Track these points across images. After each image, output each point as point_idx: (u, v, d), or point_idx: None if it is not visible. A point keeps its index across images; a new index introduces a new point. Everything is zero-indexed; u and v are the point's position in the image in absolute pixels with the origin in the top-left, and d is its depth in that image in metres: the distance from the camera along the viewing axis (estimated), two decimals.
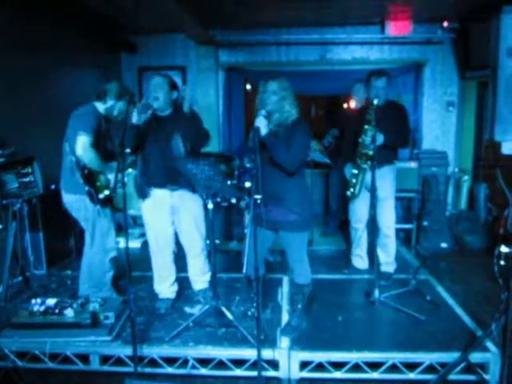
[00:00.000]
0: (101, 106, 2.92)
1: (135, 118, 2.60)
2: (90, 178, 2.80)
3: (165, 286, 3.08)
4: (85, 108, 2.89)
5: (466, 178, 5.27)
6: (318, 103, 8.32)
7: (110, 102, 2.91)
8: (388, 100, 3.41)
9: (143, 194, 2.89)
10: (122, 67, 5.69)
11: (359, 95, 4.40)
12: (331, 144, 4.74)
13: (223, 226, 4.53)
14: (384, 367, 2.42)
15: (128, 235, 2.29)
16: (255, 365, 2.33)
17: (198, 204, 2.96)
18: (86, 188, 2.76)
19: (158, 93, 2.72)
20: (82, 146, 2.68)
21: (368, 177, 3.18)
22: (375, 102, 3.11)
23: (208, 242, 3.08)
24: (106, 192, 2.87)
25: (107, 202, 2.91)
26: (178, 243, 3.14)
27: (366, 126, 3.15)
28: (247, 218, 4.07)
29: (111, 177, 2.90)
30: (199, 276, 3.16)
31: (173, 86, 2.82)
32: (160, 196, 2.88)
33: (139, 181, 2.89)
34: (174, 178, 2.77)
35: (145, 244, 4.70)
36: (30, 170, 3.46)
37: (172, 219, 2.97)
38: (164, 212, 2.91)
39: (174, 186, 2.84)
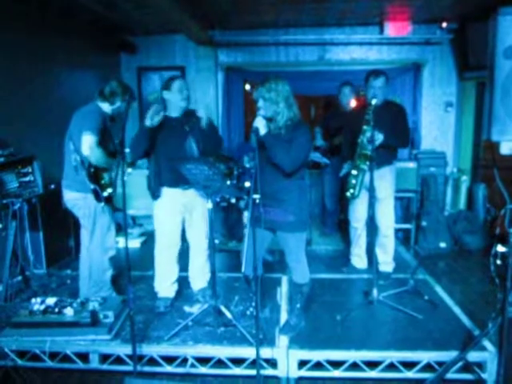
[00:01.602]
0: (106, 107, 2.94)
1: (148, 122, 2.68)
2: (96, 176, 2.82)
3: (166, 284, 3.09)
4: (89, 107, 2.91)
5: (464, 178, 5.29)
6: (318, 104, 8.32)
7: (117, 104, 2.95)
8: (387, 100, 3.41)
9: (156, 195, 2.93)
10: (122, 67, 5.71)
11: (345, 98, 4.41)
12: (323, 144, 4.75)
13: (223, 226, 4.55)
14: (382, 366, 2.44)
15: (127, 235, 2.30)
16: (254, 363, 2.34)
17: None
18: (92, 186, 2.79)
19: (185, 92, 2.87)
20: (88, 145, 2.70)
21: (367, 177, 3.19)
22: (373, 102, 3.10)
23: (207, 241, 3.10)
24: (110, 190, 2.91)
25: (109, 200, 2.93)
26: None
27: (365, 127, 3.16)
28: (246, 217, 4.08)
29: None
30: (200, 275, 3.18)
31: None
32: (172, 195, 2.93)
33: (152, 181, 2.93)
34: (185, 178, 2.80)
35: (144, 244, 4.74)
36: (30, 170, 3.46)
37: (183, 217, 3.02)
38: (176, 210, 2.96)
39: (186, 186, 2.86)
